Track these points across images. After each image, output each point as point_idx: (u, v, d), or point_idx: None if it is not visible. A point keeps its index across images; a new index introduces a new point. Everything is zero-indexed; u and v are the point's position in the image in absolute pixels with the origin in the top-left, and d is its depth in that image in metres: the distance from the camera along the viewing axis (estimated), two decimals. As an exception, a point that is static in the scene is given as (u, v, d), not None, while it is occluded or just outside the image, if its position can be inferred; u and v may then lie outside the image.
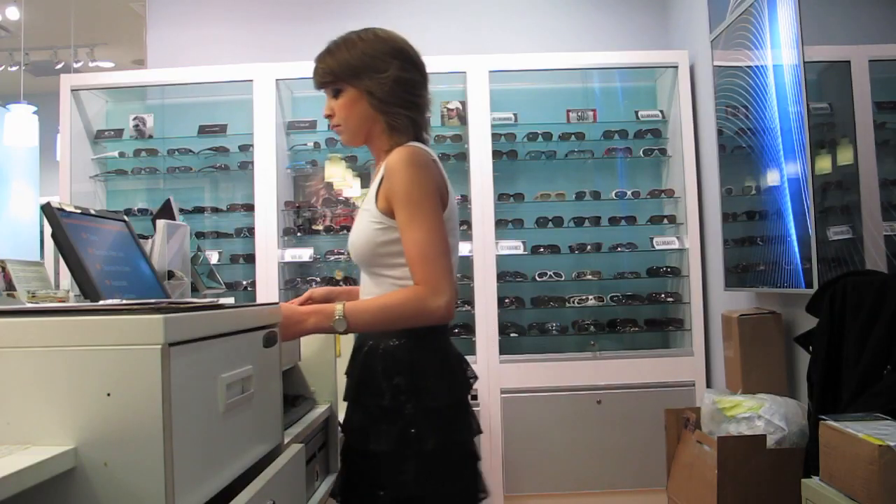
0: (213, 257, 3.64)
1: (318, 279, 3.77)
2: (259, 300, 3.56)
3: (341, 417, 1.99)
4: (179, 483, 0.90)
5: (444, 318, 1.44)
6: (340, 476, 1.59)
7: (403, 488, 1.41)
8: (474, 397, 3.43)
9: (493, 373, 3.47)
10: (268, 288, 3.57)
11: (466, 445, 1.53)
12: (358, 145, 1.63)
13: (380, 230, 1.48)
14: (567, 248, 3.74)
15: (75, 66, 6.03)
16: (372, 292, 1.53)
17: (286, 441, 1.43)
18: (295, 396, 1.79)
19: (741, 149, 2.95)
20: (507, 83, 3.84)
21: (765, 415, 2.42)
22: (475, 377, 1.60)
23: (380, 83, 1.52)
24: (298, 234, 3.81)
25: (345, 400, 1.56)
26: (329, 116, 1.59)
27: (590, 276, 3.73)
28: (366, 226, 1.50)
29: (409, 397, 1.44)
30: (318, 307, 1.50)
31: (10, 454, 0.83)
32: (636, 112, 3.84)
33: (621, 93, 4.03)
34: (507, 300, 3.68)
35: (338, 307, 1.44)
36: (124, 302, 1.01)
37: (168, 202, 2.21)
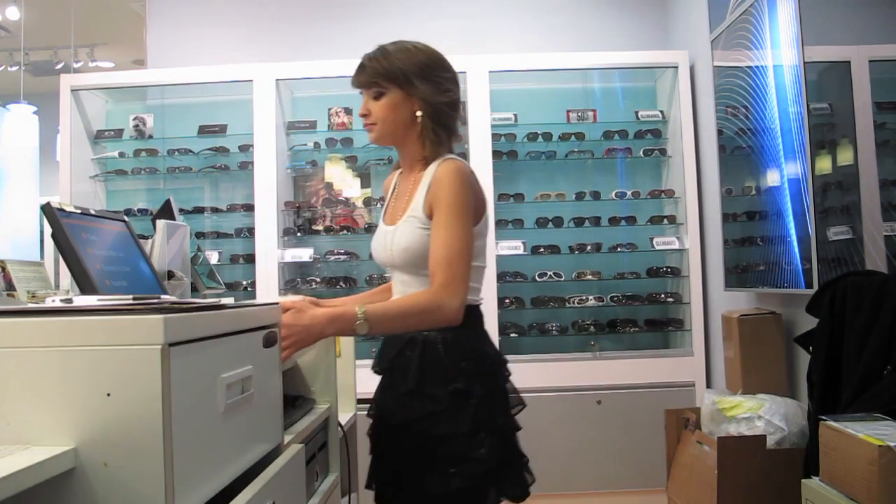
0: (213, 257, 3.64)
1: (318, 279, 3.77)
2: (259, 300, 3.56)
3: (342, 418, 2.00)
4: (179, 483, 0.90)
5: (455, 321, 1.51)
6: (380, 470, 1.65)
7: (482, 462, 1.51)
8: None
9: (493, 373, 3.46)
10: (268, 288, 3.57)
11: (514, 419, 1.65)
12: (385, 144, 1.70)
13: (430, 236, 1.56)
14: (567, 248, 3.74)
15: (75, 66, 6.03)
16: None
17: (286, 441, 1.43)
18: (295, 397, 1.79)
19: (741, 149, 2.95)
20: (507, 83, 3.84)
21: (765, 415, 2.42)
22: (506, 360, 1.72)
23: (436, 97, 1.59)
24: (298, 234, 3.81)
25: (395, 392, 1.61)
26: (364, 115, 1.64)
27: (590, 277, 3.73)
28: (416, 232, 1.57)
29: (476, 380, 1.54)
30: (336, 313, 1.50)
31: (10, 454, 0.83)
32: (636, 112, 3.84)
33: (621, 93, 4.03)
34: (507, 300, 3.68)
35: (358, 312, 1.47)
36: (124, 300, 1.01)
37: (168, 202, 2.21)
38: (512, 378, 1.66)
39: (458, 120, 1.68)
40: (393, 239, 1.62)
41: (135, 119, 3.84)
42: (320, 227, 3.85)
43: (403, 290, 1.65)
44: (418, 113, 1.60)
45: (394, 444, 1.62)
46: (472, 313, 1.59)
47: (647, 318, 3.78)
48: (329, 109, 3.79)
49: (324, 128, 3.81)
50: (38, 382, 0.89)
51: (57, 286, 2.31)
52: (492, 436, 1.53)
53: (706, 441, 2.53)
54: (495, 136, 3.69)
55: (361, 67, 1.62)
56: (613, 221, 3.76)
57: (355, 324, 1.46)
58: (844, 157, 2.40)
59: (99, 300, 1.05)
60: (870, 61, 2.38)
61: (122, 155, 3.87)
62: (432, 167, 1.59)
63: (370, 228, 3.76)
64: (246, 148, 3.77)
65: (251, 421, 1.21)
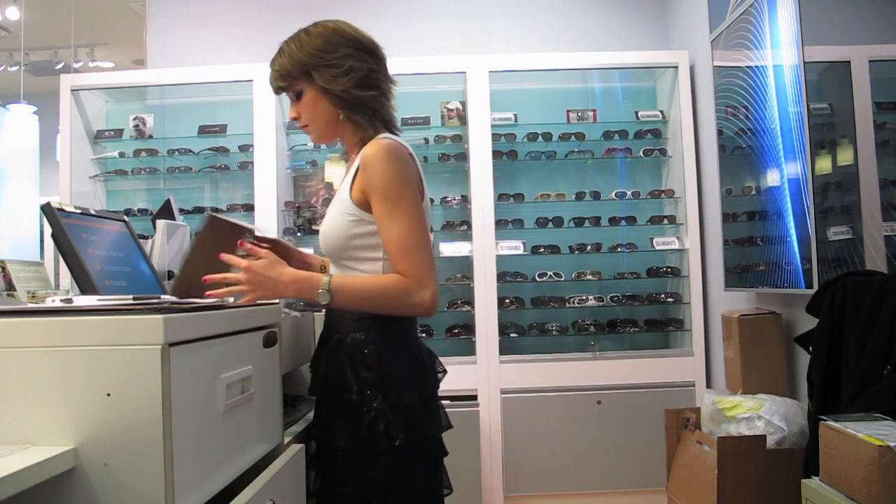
0: (213, 257, 3.64)
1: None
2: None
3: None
4: (179, 483, 0.90)
5: (429, 312, 1.42)
6: (315, 474, 1.56)
7: (371, 485, 1.39)
8: (474, 398, 3.43)
9: (493, 373, 3.46)
10: (268, 288, 3.56)
11: (434, 441, 1.51)
12: (328, 142, 1.60)
13: (353, 222, 1.46)
14: (567, 248, 3.74)
15: (75, 66, 6.03)
16: None
17: (286, 441, 1.43)
18: (295, 397, 1.79)
19: (741, 149, 2.95)
20: (507, 83, 3.84)
21: (765, 415, 2.42)
22: (444, 371, 1.58)
23: (334, 79, 1.47)
24: (298, 234, 3.81)
25: (310, 395, 1.55)
26: (296, 119, 1.55)
27: (590, 277, 3.73)
28: (338, 217, 1.48)
29: (376, 392, 1.41)
30: (301, 276, 1.44)
31: (10, 454, 0.83)
32: (636, 112, 3.84)
33: (621, 93, 4.03)
34: (507, 300, 3.67)
35: (324, 279, 1.40)
36: (124, 300, 1.01)
37: (168, 202, 2.21)
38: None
39: (380, 94, 1.52)
40: (322, 226, 1.54)
41: (135, 119, 3.84)
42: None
43: None
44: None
45: (316, 449, 1.55)
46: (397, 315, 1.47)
47: (647, 318, 3.78)
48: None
49: (324, 128, 3.80)
50: (39, 382, 0.89)
51: (57, 286, 2.31)
52: (389, 457, 1.39)
53: (706, 441, 2.53)
54: (495, 136, 3.69)
55: (270, 77, 1.54)
56: (613, 221, 3.76)
57: (317, 292, 1.39)
58: (844, 157, 2.40)
59: (99, 300, 1.05)
60: (870, 61, 2.37)
61: (122, 155, 3.87)
62: (363, 150, 1.48)
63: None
64: (246, 148, 3.77)
65: (251, 421, 1.21)
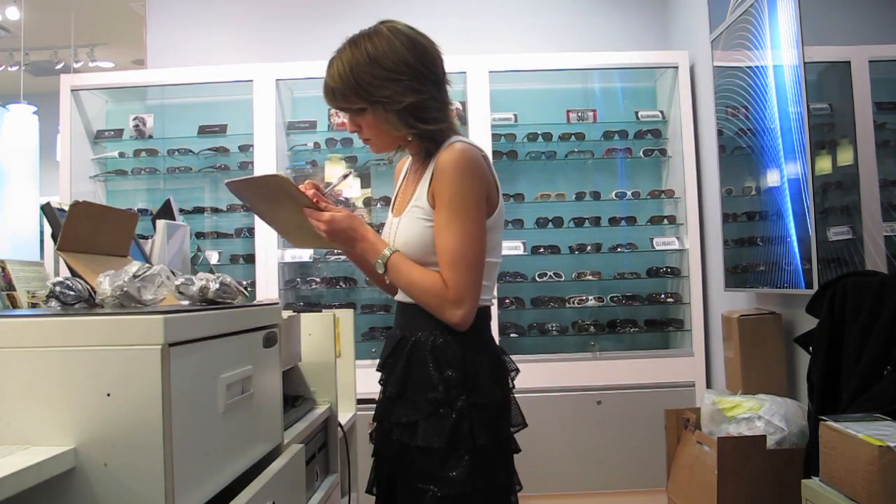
0: (213, 257, 3.64)
1: (318, 279, 3.77)
2: (259, 300, 3.55)
3: (342, 418, 2.00)
4: (179, 483, 0.90)
5: (458, 327, 1.43)
6: (378, 472, 1.55)
7: (455, 484, 1.39)
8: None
9: (493, 373, 3.46)
10: (268, 288, 3.57)
11: (510, 440, 1.53)
12: (388, 151, 1.58)
13: (433, 229, 1.45)
14: (567, 248, 3.74)
15: (75, 66, 6.04)
16: None
17: (286, 441, 1.43)
18: (295, 396, 1.79)
19: (741, 149, 2.95)
20: (507, 83, 3.84)
21: (765, 415, 2.42)
22: (517, 370, 1.60)
23: (398, 102, 1.43)
24: (298, 234, 3.80)
25: (385, 394, 1.54)
26: (355, 131, 1.53)
27: (590, 277, 3.73)
28: (418, 224, 1.46)
29: (460, 392, 1.42)
30: (372, 238, 1.48)
31: (10, 454, 0.83)
32: (636, 112, 3.84)
33: (621, 93, 4.03)
34: (507, 300, 3.67)
35: (386, 251, 1.45)
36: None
37: (168, 202, 2.21)
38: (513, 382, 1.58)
39: (444, 105, 1.50)
40: (396, 231, 1.52)
41: (135, 119, 3.84)
42: (320, 227, 3.84)
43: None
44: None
45: (385, 448, 1.54)
46: (477, 316, 1.46)
47: (647, 318, 3.78)
48: (329, 109, 3.79)
49: (324, 128, 3.81)
50: (38, 382, 0.89)
51: (57, 286, 2.30)
52: (472, 456, 1.40)
53: (706, 441, 2.53)
54: (495, 136, 3.69)
55: (325, 90, 1.49)
56: (613, 221, 3.76)
57: (375, 260, 1.45)
58: (844, 157, 2.40)
59: (99, 300, 1.04)
60: (870, 61, 2.37)
61: (122, 155, 3.87)
62: (439, 156, 1.46)
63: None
64: (246, 148, 3.77)
65: (251, 421, 1.21)
